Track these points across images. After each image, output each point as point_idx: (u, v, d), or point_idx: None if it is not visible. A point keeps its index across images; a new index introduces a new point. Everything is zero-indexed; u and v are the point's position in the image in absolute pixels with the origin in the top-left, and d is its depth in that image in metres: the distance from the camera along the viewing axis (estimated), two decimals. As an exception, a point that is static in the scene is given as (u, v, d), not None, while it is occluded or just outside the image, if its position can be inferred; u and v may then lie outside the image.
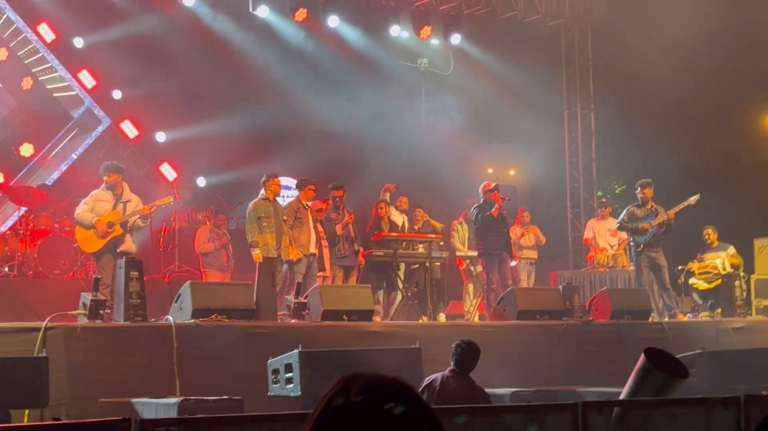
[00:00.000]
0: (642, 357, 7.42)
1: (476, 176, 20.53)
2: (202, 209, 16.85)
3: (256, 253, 12.78)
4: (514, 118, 20.20)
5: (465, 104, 20.58)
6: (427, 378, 8.27)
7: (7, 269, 14.28)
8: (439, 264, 14.87)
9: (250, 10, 17.53)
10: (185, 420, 5.19)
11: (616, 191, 22.27)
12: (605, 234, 17.04)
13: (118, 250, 11.63)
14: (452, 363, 8.10)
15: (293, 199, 14.61)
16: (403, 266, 14.44)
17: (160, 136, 18.77)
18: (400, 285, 14.17)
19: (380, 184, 16.01)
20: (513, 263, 15.28)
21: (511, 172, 23.99)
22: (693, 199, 14.44)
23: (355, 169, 19.09)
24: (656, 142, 19.97)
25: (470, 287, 16.38)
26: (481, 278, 15.17)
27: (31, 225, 14.61)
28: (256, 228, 12.92)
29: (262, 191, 13.51)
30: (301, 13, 17.51)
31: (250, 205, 13.36)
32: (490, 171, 22.73)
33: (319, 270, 13.78)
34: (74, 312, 10.18)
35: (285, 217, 13.31)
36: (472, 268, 16.19)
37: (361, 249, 14.07)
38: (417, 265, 14.39)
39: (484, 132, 20.69)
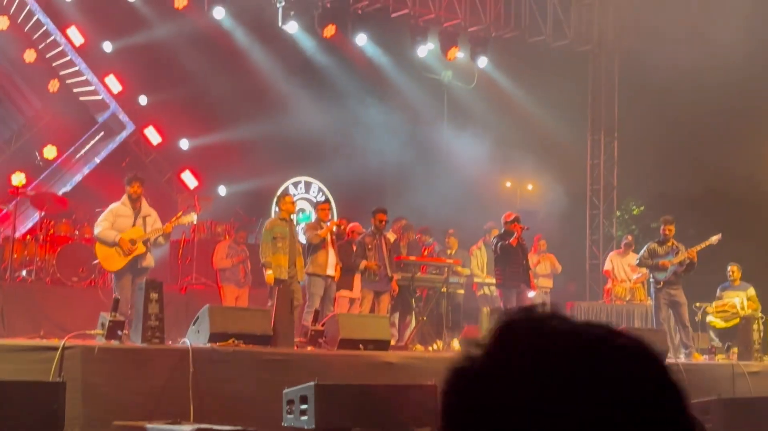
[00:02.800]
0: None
1: (496, 192, 20.63)
2: (222, 221, 16.80)
3: (269, 274, 12.78)
4: (536, 141, 20.19)
5: (487, 123, 20.57)
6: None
7: (24, 273, 14.30)
8: (461, 292, 14.94)
9: (280, 24, 17.55)
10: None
11: (634, 212, 22.13)
12: (625, 267, 16.94)
13: (138, 266, 11.62)
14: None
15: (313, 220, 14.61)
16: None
17: (184, 143, 18.76)
18: (415, 309, 14.15)
19: (399, 202, 16.02)
20: (531, 293, 15.21)
21: (529, 186, 23.79)
22: (714, 239, 14.35)
23: (373, 186, 19.02)
24: (677, 168, 19.85)
25: (485, 311, 16.31)
26: (498, 301, 15.13)
27: (51, 230, 14.63)
28: (270, 248, 12.89)
29: (277, 209, 13.50)
30: (330, 30, 17.50)
31: (267, 223, 13.36)
32: (508, 184, 22.54)
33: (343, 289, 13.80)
34: (92, 331, 10.18)
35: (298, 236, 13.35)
36: (488, 292, 16.16)
37: (395, 275, 13.99)
38: (433, 290, 14.38)
39: (505, 150, 20.62)
